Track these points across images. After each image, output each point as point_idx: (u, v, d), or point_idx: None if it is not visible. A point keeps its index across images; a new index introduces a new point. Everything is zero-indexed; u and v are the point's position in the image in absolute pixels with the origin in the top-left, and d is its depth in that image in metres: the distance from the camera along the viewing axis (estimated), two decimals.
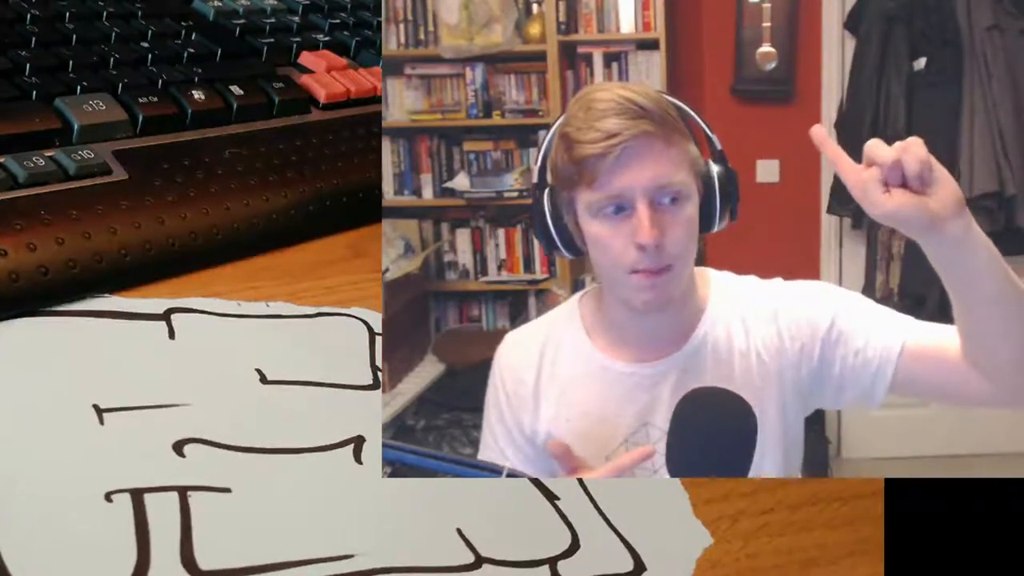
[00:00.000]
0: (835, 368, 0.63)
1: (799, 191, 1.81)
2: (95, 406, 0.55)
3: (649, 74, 1.89)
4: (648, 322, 0.63)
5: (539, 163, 0.64)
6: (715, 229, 0.63)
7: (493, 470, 0.59)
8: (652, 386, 0.64)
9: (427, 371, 1.87)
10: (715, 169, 0.62)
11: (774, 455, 0.64)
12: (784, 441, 0.64)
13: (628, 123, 0.58)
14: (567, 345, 0.66)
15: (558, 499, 0.59)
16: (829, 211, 1.80)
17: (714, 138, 0.63)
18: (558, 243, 0.63)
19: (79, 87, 0.70)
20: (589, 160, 0.58)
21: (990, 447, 1.79)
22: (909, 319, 0.64)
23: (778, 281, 0.67)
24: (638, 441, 0.64)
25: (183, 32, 0.82)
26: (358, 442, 0.58)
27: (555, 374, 0.66)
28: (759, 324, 0.64)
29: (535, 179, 0.64)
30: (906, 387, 0.62)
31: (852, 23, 1.79)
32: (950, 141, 1.69)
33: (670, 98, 0.62)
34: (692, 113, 0.62)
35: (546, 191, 0.63)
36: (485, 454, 0.69)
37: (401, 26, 1.94)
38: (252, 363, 0.61)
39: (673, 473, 0.62)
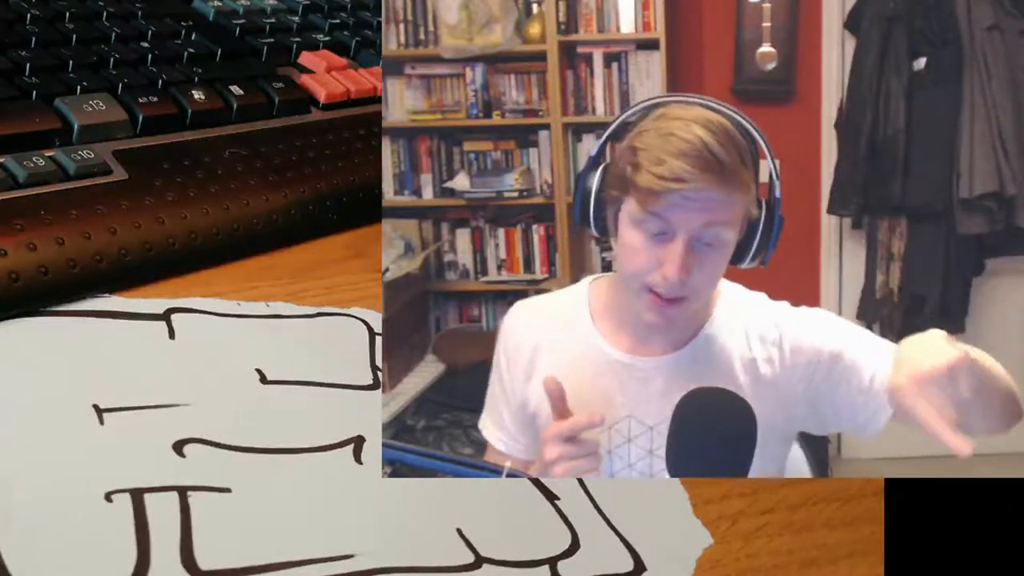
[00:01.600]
0: (837, 398, 0.64)
1: (799, 191, 1.81)
2: (95, 406, 0.55)
3: (649, 74, 1.89)
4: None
5: (600, 141, 0.63)
6: (744, 265, 0.63)
7: (493, 470, 0.59)
8: (644, 380, 0.66)
9: (427, 371, 1.87)
10: (763, 214, 0.62)
11: (761, 460, 0.64)
12: (761, 453, 0.64)
13: (697, 173, 0.57)
14: (571, 324, 0.68)
15: (558, 499, 0.59)
16: (829, 211, 1.80)
17: (776, 183, 0.62)
18: (592, 222, 0.63)
19: (79, 87, 0.70)
20: (648, 189, 0.59)
21: (990, 447, 1.79)
22: None
23: (785, 304, 0.67)
24: (620, 431, 0.66)
25: (183, 32, 0.82)
26: (358, 442, 0.58)
27: (554, 349, 0.68)
28: (764, 341, 0.65)
29: (592, 153, 0.64)
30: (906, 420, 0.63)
31: (852, 23, 1.79)
32: (950, 141, 1.69)
33: (748, 124, 0.60)
34: (766, 149, 0.61)
35: (600, 169, 0.63)
36: (487, 415, 0.72)
37: (401, 26, 1.94)
38: (252, 363, 0.61)
39: (673, 473, 0.62)
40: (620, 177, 0.61)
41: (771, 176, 0.63)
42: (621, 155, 0.61)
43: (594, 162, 0.64)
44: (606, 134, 0.64)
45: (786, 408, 0.65)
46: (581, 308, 0.68)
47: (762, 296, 0.67)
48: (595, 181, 0.63)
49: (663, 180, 0.58)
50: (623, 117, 0.63)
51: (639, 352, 0.66)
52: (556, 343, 0.68)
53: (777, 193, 0.62)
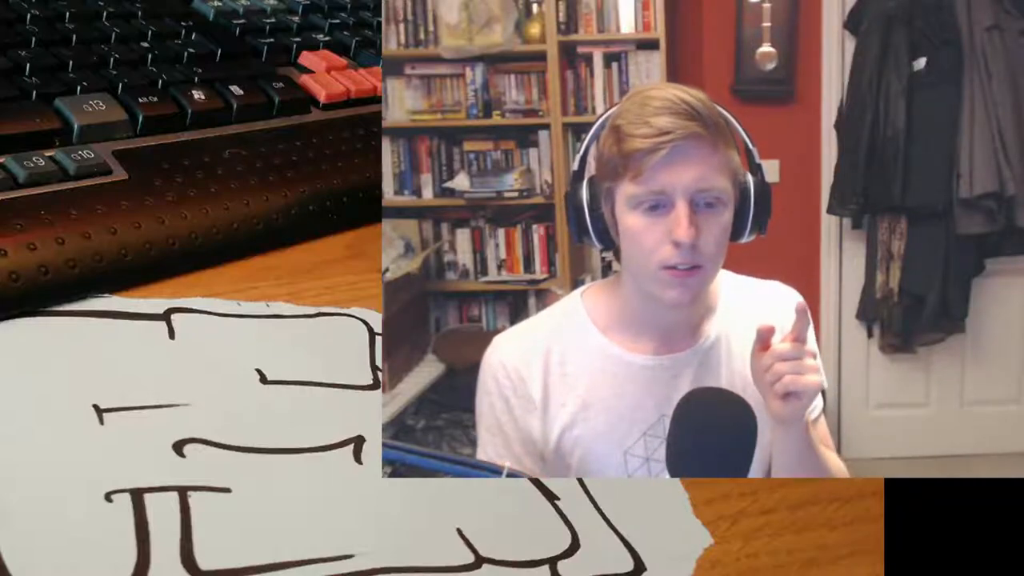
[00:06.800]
0: None
1: (799, 191, 1.81)
2: (95, 406, 0.55)
3: (649, 74, 1.89)
4: (667, 317, 0.64)
5: (580, 153, 0.64)
6: (743, 239, 0.64)
7: (493, 470, 0.59)
8: (671, 379, 0.65)
9: (427, 371, 1.87)
10: (752, 181, 0.63)
11: (761, 460, 0.64)
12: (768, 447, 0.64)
13: (680, 122, 0.59)
14: (576, 343, 0.66)
15: (558, 499, 0.59)
16: (829, 211, 1.80)
17: (754, 151, 0.64)
18: (591, 233, 0.64)
19: (79, 87, 0.70)
20: (637, 154, 0.59)
21: (990, 447, 1.79)
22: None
23: (773, 285, 0.68)
24: (656, 433, 0.65)
25: (183, 32, 0.82)
26: (358, 442, 0.58)
27: (566, 374, 0.66)
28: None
29: (574, 167, 0.65)
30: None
31: (852, 23, 1.79)
32: (950, 141, 1.69)
33: (718, 106, 0.62)
34: (736, 123, 0.63)
35: (585, 181, 0.64)
36: (486, 449, 0.67)
37: (401, 26, 1.94)
38: (252, 363, 0.61)
39: (673, 473, 0.62)
40: (609, 164, 0.61)
41: (746, 144, 0.64)
42: (605, 141, 0.62)
43: (577, 176, 0.64)
44: (583, 149, 0.64)
45: None
46: (582, 324, 0.66)
47: (751, 279, 0.68)
48: (583, 192, 0.63)
49: (649, 138, 0.59)
50: (595, 128, 0.64)
51: (663, 352, 0.65)
52: (567, 369, 0.66)
53: (757, 160, 0.64)
